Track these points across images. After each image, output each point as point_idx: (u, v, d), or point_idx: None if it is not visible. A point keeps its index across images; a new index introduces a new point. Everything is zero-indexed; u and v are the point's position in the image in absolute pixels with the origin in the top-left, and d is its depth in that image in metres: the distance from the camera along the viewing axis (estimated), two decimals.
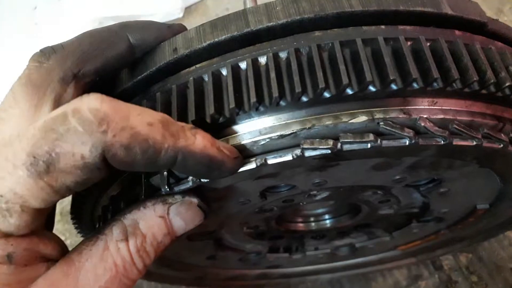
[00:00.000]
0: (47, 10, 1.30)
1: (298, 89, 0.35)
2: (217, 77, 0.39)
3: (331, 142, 0.36)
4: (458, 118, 0.39)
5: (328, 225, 0.70)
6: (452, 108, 0.39)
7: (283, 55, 0.38)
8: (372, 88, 0.36)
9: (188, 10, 1.37)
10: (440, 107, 0.39)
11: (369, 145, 0.36)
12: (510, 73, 0.40)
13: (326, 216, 0.70)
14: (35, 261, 0.36)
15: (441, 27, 0.41)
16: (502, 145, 0.39)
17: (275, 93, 0.36)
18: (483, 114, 0.40)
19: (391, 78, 0.35)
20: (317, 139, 0.37)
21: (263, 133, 0.39)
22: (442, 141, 0.37)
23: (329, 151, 0.36)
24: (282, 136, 0.38)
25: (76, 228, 0.51)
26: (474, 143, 0.38)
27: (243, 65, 0.39)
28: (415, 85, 0.36)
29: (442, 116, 0.38)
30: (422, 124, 0.37)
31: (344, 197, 0.61)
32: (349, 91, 0.36)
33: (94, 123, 0.31)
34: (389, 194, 0.59)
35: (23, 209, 0.33)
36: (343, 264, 0.87)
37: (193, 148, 0.34)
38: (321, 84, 0.35)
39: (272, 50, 0.38)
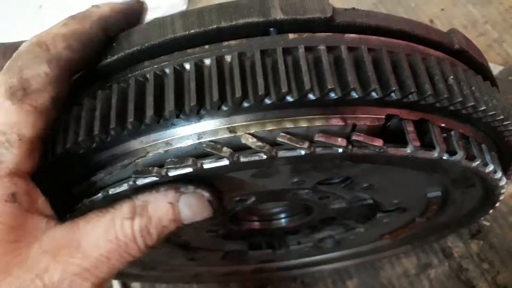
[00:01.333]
0: (52, 8, 1.33)
1: (112, 125, 0.38)
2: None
3: (156, 169, 0.38)
4: (289, 127, 0.37)
5: (290, 223, 0.70)
6: (284, 118, 0.38)
7: (113, 88, 0.41)
8: (173, 118, 0.37)
9: (192, 1, 1.39)
10: (270, 120, 0.38)
11: (186, 170, 0.37)
12: (345, 73, 0.37)
13: (282, 215, 0.70)
14: (35, 212, 0.40)
15: (280, 33, 0.40)
16: (340, 150, 0.37)
17: (97, 131, 0.39)
18: (325, 118, 0.38)
19: (192, 104, 0.36)
20: (147, 168, 0.39)
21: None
22: (264, 156, 0.37)
23: (157, 179, 0.39)
24: (124, 166, 0.41)
25: None
26: (302, 152, 0.37)
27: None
28: (224, 107, 0.36)
29: (270, 128, 0.37)
30: (243, 142, 0.37)
31: (277, 198, 0.61)
32: (151, 121, 0.37)
33: (38, 49, 0.40)
34: (319, 191, 0.57)
35: (21, 138, 0.38)
36: (340, 255, 0.85)
37: None
38: (130, 118, 0.37)
39: (107, 85, 0.41)
